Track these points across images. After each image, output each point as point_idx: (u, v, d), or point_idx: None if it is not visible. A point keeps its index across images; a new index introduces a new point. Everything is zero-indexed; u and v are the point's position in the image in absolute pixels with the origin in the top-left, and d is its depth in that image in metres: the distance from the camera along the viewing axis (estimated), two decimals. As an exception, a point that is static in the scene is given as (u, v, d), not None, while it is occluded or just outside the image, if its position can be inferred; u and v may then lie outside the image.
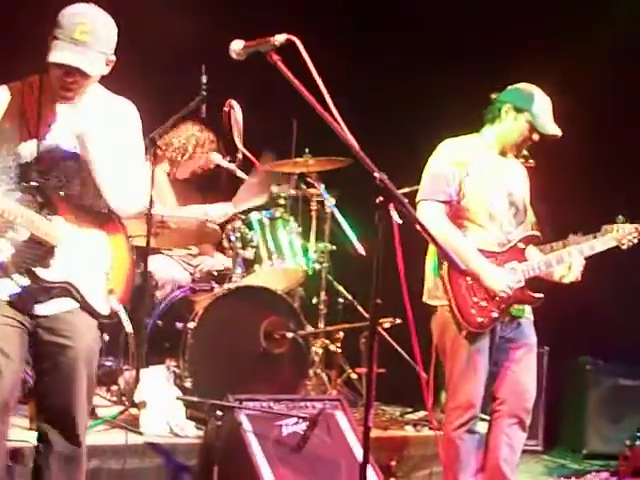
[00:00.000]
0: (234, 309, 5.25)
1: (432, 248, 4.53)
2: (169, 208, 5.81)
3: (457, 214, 4.48)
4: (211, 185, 6.22)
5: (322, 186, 5.90)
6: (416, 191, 4.57)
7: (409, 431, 5.70)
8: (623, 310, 6.63)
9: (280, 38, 3.28)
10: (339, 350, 5.95)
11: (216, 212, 5.81)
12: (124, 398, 5.04)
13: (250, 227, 5.65)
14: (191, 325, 5.15)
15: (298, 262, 5.72)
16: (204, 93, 5.22)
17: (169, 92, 6.05)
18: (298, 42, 3.26)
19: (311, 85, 3.16)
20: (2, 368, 3.40)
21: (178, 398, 4.77)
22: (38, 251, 3.46)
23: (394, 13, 7.54)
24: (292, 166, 6.02)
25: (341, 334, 5.94)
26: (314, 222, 6.09)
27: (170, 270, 5.76)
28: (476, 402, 4.45)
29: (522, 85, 4.58)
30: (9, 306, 3.46)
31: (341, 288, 6.46)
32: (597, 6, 6.64)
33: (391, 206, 3.10)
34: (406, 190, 5.17)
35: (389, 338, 5.91)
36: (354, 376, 6.15)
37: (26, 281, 3.45)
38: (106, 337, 5.61)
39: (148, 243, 4.94)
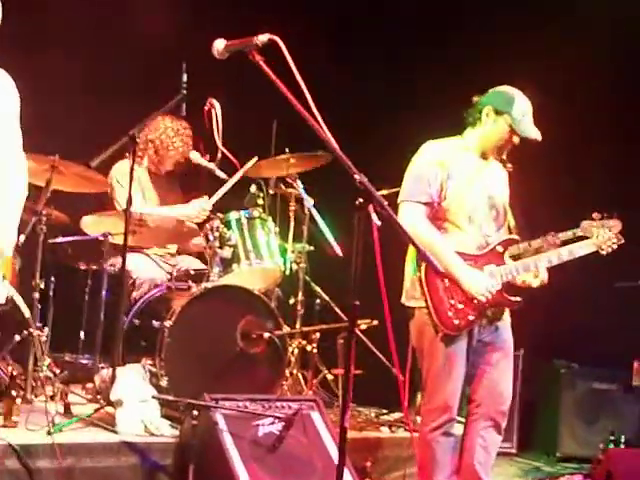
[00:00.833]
0: (211, 308, 5.24)
1: (412, 250, 4.53)
2: (150, 205, 5.82)
3: (437, 215, 4.49)
4: (191, 185, 6.21)
5: (301, 186, 5.90)
6: (396, 193, 4.58)
7: (384, 432, 5.70)
8: (597, 314, 6.67)
9: (262, 38, 3.29)
10: (315, 351, 5.96)
11: (193, 208, 5.81)
12: (99, 396, 5.01)
13: (228, 226, 5.63)
14: (168, 324, 5.13)
15: (276, 262, 5.71)
16: (184, 92, 5.20)
17: (150, 91, 6.03)
18: (280, 42, 3.27)
19: (294, 85, 3.17)
20: None
21: (154, 397, 4.75)
22: None
23: (377, 12, 7.55)
24: (273, 169, 6.03)
25: (317, 335, 5.95)
26: (292, 222, 6.10)
27: (148, 269, 5.74)
28: (453, 404, 4.45)
29: (503, 88, 4.59)
30: None
31: (318, 289, 6.46)
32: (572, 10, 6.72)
33: (371, 208, 3.11)
34: (385, 192, 5.18)
35: (366, 339, 5.91)
36: (330, 377, 6.16)
37: None
38: (82, 335, 5.65)
39: (125, 241, 4.92)
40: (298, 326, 6.02)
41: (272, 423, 4.46)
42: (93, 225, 5.40)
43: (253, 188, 5.89)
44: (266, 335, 5.31)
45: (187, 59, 5.19)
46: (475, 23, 7.13)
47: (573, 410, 6.86)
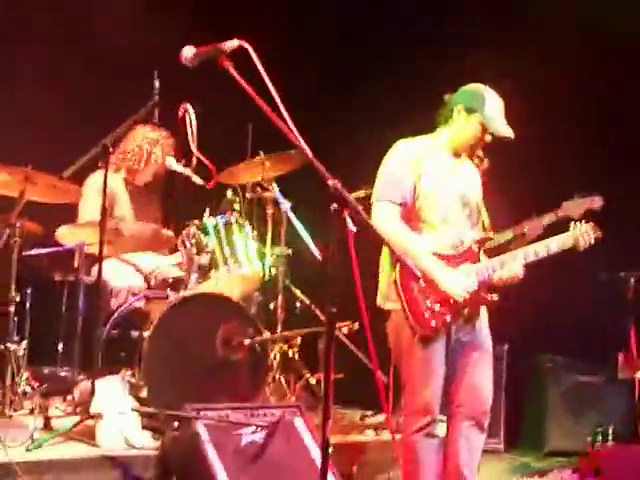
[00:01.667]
0: (190, 317, 5.19)
1: (386, 251, 4.49)
2: (126, 219, 5.76)
3: (410, 215, 4.45)
4: (167, 191, 6.16)
5: (277, 189, 5.85)
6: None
7: (369, 435, 5.67)
8: (581, 306, 6.66)
9: (231, 44, 3.26)
10: (297, 355, 5.92)
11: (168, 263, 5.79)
12: (79, 409, 4.95)
13: (205, 232, 5.59)
14: (146, 334, 5.08)
15: (254, 267, 5.67)
16: (157, 98, 5.16)
17: (122, 98, 5.97)
18: (250, 48, 3.24)
19: (267, 90, 3.15)
20: None
21: (134, 409, 4.69)
22: None
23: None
24: (249, 174, 5.99)
25: (299, 339, 5.90)
26: (270, 226, 6.05)
27: (124, 277, 5.69)
28: (434, 406, 4.41)
29: (474, 86, 4.56)
30: None
31: (298, 292, 6.42)
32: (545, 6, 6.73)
33: (346, 213, 3.08)
34: (362, 194, 5.15)
35: (347, 342, 5.87)
36: (313, 380, 6.11)
37: None
38: (60, 347, 5.58)
39: (101, 251, 4.86)
40: (279, 330, 5.98)
41: (255, 432, 4.41)
42: (69, 236, 5.34)
43: (229, 193, 5.85)
44: (246, 342, 5.27)
45: (160, 64, 5.14)
46: (444, 22, 7.12)
47: (559, 404, 6.84)
